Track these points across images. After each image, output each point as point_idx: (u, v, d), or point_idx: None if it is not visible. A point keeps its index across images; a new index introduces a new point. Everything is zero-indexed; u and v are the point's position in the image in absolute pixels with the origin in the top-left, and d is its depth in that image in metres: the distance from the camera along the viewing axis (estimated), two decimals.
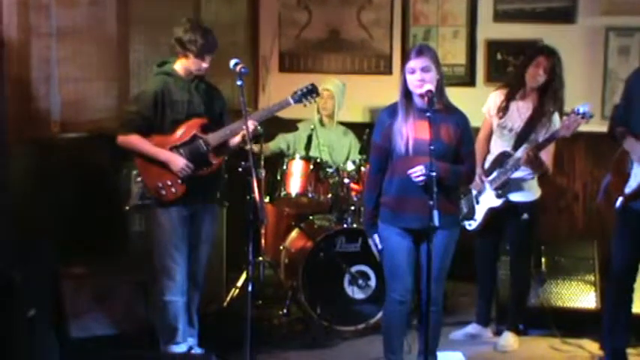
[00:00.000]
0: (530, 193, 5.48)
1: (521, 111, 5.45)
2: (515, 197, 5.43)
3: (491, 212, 5.49)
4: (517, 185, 5.42)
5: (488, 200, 5.48)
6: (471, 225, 5.59)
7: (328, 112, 6.58)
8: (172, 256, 4.95)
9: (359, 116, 7.14)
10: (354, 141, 6.61)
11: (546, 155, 5.36)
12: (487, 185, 5.45)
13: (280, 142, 6.57)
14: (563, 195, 6.74)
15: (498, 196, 5.42)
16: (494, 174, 5.43)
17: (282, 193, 6.05)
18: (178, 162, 4.87)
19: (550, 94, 5.36)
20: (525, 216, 5.42)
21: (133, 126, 4.89)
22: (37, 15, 5.44)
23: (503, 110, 5.47)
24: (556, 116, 5.39)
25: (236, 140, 5.03)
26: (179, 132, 4.93)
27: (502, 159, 5.42)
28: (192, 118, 4.95)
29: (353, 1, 7.20)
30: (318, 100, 6.43)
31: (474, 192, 5.54)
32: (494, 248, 5.69)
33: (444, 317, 4.90)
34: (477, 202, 5.54)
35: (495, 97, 5.57)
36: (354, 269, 5.79)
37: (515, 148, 5.40)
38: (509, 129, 5.46)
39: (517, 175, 5.38)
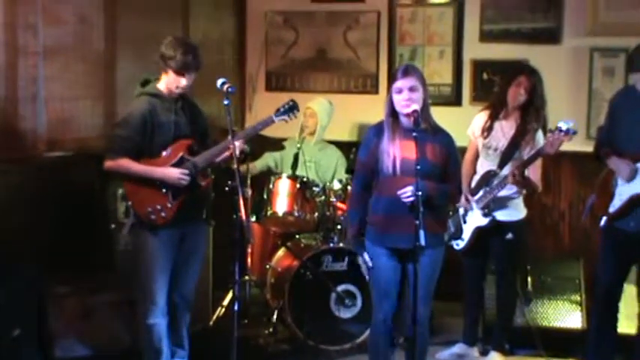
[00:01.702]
0: (515, 212, 5.49)
1: (504, 130, 5.48)
2: (500, 216, 5.45)
3: (479, 231, 5.50)
4: (503, 204, 5.44)
5: (475, 219, 5.49)
6: (459, 244, 5.60)
7: (310, 130, 6.59)
8: (156, 279, 4.88)
9: (346, 135, 7.15)
10: (341, 159, 6.62)
11: (534, 173, 5.39)
12: (474, 204, 5.46)
13: (268, 160, 6.58)
14: (549, 214, 6.76)
15: (485, 215, 5.43)
16: (480, 193, 5.45)
17: (269, 212, 6.05)
18: (173, 174, 4.80)
19: (532, 113, 5.40)
20: (510, 235, 5.44)
21: (122, 150, 4.79)
22: (25, 34, 5.44)
23: (487, 130, 5.51)
24: (539, 134, 5.42)
25: (225, 154, 4.94)
26: (166, 154, 4.86)
27: (488, 178, 5.44)
28: (179, 139, 4.91)
29: (340, 21, 7.22)
30: (302, 119, 6.47)
31: (461, 211, 5.56)
32: (482, 267, 5.69)
33: (430, 337, 4.89)
34: (465, 222, 5.55)
35: (479, 118, 5.61)
36: (340, 288, 5.79)
37: (501, 166, 5.43)
38: (494, 148, 5.49)
39: (503, 193, 5.40)
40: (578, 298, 5.83)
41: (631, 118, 4.84)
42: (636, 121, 4.80)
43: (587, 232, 6.36)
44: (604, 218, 4.91)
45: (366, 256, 4.66)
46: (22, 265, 5.08)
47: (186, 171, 4.84)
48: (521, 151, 5.38)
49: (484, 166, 5.52)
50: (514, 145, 5.41)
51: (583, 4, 6.53)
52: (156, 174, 4.81)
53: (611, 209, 4.87)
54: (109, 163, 4.83)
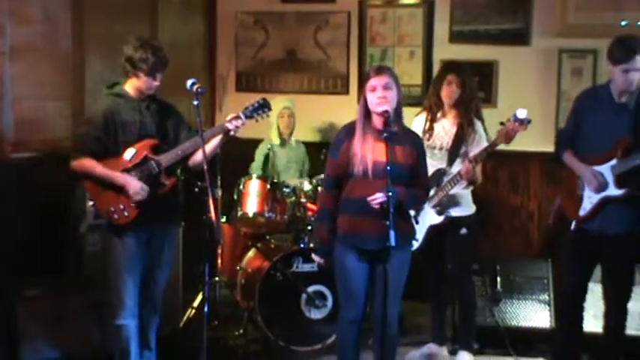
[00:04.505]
0: (467, 207, 5.52)
1: (446, 129, 5.52)
2: (454, 212, 5.47)
3: (432, 230, 5.50)
4: (453, 200, 5.46)
5: (428, 218, 5.48)
6: (413, 245, 5.58)
7: (291, 129, 6.60)
8: (124, 279, 4.85)
9: (316, 135, 7.16)
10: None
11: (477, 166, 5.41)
12: (425, 204, 5.45)
13: (258, 156, 6.55)
14: (517, 215, 6.80)
15: (439, 213, 5.44)
16: (432, 192, 5.43)
17: (239, 213, 6.04)
18: (134, 185, 4.77)
19: (461, 107, 5.44)
20: (464, 230, 5.46)
21: (85, 149, 4.77)
22: None
23: (428, 132, 5.53)
24: (479, 125, 5.46)
25: (215, 142, 4.90)
26: (130, 153, 4.81)
27: (438, 176, 5.44)
28: (144, 138, 4.85)
29: (310, 22, 7.23)
30: (279, 120, 6.47)
31: (412, 213, 5.54)
32: (441, 265, 5.67)
33: (400, 337, 4.90)
34: (417, 222, 5.51)
35: (418, 121, 5.62)
36: (310, 289, 5.79)
37: (450, 164, 5.46)
38: (439, 147, 5.50)
39: (454, 190, 5.42)
40: (547, 298, 5.87)
41: (594, 120, 4.86)
42: (600, 123, 4.82)
43: (555, 233, 6.39)
44: (574, 222, 4.94)
45: (317, 258, 4.79)
46: None
47: (147, 187, 4.79)
48: (467, 146, 5.42)
49: (430, 165, 5.52)
50: (458, 141, 5.45)
51: (551, 5, 6.58)
52: (117, 180, 4.77)
53: (582, 212, 4.89)
54: (74, 163, 4.80)
